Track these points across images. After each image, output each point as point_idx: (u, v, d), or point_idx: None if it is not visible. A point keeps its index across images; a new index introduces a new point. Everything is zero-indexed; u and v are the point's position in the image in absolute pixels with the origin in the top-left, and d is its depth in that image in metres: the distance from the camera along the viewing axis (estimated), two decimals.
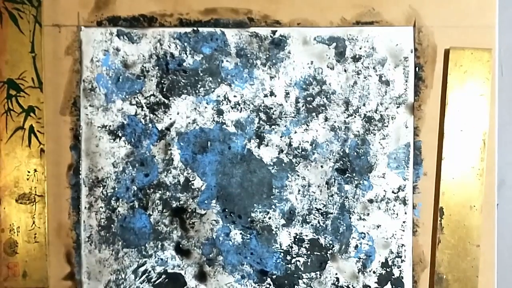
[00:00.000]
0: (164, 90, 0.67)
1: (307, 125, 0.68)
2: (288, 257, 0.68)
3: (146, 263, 0.68)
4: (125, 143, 0.67)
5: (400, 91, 0.68)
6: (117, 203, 0.67)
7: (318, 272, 0.68)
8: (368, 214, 0.68)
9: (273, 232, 0.68)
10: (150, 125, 0.67)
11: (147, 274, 0.68)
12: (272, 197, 0.68)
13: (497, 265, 0.68)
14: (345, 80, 0.67)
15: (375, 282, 0.68)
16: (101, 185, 0.67)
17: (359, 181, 0.68)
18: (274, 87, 0.68)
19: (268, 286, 0.68)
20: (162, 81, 0.67)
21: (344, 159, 0.68)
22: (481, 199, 0.65)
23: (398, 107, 0.68)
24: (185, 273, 0.68)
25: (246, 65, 0.67)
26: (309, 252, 0.68)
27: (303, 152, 0.68)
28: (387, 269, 0.68)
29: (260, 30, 0.67)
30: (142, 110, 0.67)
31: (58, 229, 0.67)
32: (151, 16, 0.67)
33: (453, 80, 0.65)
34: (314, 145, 0.68)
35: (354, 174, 0.68)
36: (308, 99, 0.68)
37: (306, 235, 0.68)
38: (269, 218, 0.68)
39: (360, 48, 0.67)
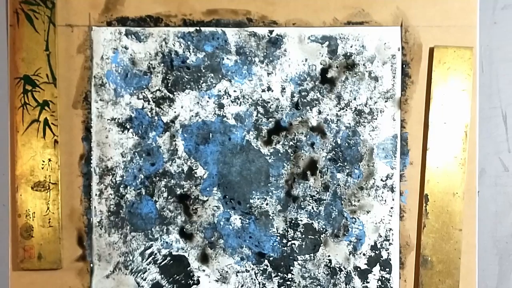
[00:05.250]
0: (169, 85, 0.69)
1: (302, 118, 0.69)
2: (284, 241, 0.69)
3: (152, 246, 0.69)
4: (133, 135, 0.69)
5: (388, 87, 0.69)
6: (126, 190, 0.69)
7: (312, 254, 0.69)
8: (358, 201, 0.70)
9: (270, 217, 0.70)
10: (156, 118, 0.69)
11: (153, 256, 0.69)
12: (269, 184, 0.69)
13: (478, 248, 0.68)
14: (337, 76, 0.69)
15: (365, 264, 0.69)
16: (110, 173, 0.68)
17: (350, 170, 0.70)
18: (271, 83, 0.69)
19: (265, 267, 0.69)
20: (167, 77, 0.69)
21: (336, 149, 0.70)
22: (463, 187, 0.66)
23: (386, 101, 0.69)
24: (188, 255, 0.69)
25: (245, 62, 0.69)
26: (303, 236, 0.69)
27: (298, 143, 0.69)
28: (376, 252, 0.69)
29: (258, 29, 0.69)
30: (148, 104, 0.69)
31: (70, 214, 0.68)
32: (157, 17, 0.68)
33: (437, 76, 0.66)
34: (308, 136, 0.69)
35: (345, 163, 0.70)
36: (303, 93, 0.69)
37: (301, 220, 0.70)
38: (267, 204, 0.69)
39: (351, 47, 0.69)
